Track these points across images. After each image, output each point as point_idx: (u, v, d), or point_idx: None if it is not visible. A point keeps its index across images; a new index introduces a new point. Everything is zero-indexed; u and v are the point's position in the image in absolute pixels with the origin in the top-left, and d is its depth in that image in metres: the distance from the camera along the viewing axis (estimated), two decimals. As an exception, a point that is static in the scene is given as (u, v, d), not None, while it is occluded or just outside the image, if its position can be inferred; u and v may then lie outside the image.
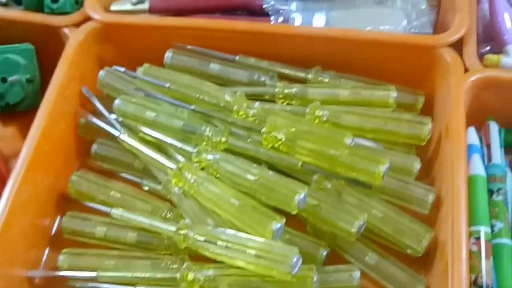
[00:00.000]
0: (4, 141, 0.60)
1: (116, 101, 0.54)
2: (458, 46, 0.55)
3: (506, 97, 0.53)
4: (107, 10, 0.61)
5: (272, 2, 0.59)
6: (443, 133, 0.51)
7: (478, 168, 0.49)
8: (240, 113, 0.53)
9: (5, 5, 0.61)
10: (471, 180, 0.50)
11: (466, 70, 0.53)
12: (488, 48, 0.60)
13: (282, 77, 0.57)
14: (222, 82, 0.57)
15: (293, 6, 0.59)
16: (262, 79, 0.57)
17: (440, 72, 0.54)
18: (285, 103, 0.55)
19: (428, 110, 0.56)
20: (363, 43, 0.55)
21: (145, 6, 0.60)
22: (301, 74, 0.56)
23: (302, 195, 0.47)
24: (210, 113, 0.53)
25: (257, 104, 0.53)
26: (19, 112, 0.60)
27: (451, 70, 0.52)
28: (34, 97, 0.60)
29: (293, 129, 0.50)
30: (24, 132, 0.55)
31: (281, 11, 0.59)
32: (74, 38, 0.57)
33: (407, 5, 0.57)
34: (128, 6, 0.60)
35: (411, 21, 0.56)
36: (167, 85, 0.55)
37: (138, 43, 0.59)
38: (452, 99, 0.51)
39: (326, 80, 0.56)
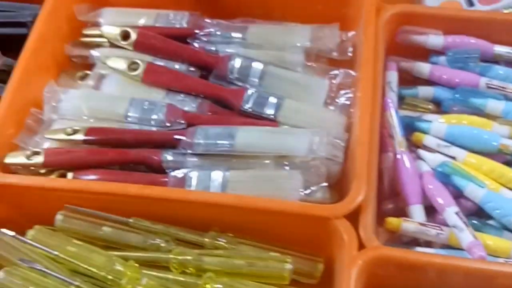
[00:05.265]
0: None
1: (0, 274, 0.52)
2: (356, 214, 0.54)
3: (403, 275, 0.51)
4: (1, 162, 0.59)
5: (170, 158, 0.58)
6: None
7: None
8: (127, 289, 0.51)
9: None
10: None
11: (361, 245, 0.52)
12: (391, 206, 0.59)
13: (179, 240, 0.55)
14: (116, 246, 0.55)
15: (191, 163, 0.57)
16: (157, 242, 0.55)
17: (336, 243, 0.52)
18: (179, 271, 0.54)
19: (330, 275, 0.54)
20: (258, 210, 0.53)
21: (40, 159, 0.58)
22: (197, 238, 0.55)
23: None
24: (94, 290, 0.51)
25: (145, 280, 0.51)
26: None
27: (345, 246, 0.51)
28: None
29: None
30: None
31: (179, 169, 0.57)
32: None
33: (306, 168, 0.56)
34: (22, 159, 0.58)
35: (308, 185, 0.55)
36: (55, 253, 0.53)
37: (31, 203, 0.57)
38: (344, 280, 0.49)
39: (223, 243, 0.55)
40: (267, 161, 0.57)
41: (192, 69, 0.66)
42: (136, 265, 0.53)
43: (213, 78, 0.65)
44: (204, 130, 0.58)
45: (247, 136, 0.57)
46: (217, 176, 0.56)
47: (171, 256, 0.53)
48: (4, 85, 0.65)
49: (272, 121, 0.61)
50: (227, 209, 0.54)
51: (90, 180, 0.56)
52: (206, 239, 0.55)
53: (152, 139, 0.59)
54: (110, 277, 0.52)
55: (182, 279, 0.53)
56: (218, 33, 0.67)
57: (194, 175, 0.56)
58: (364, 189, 0.53)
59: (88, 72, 0.67)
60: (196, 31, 0.67)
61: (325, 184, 0.56)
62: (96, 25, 0.70)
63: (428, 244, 0.56)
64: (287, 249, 0.54)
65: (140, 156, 0.58)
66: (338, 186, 0.58)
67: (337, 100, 0.63)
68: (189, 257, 0.53)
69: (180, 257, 0.53)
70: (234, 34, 0.67)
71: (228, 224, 0.55)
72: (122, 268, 0.52)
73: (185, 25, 0.69)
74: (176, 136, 0.58)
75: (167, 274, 0.53)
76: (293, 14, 0.70)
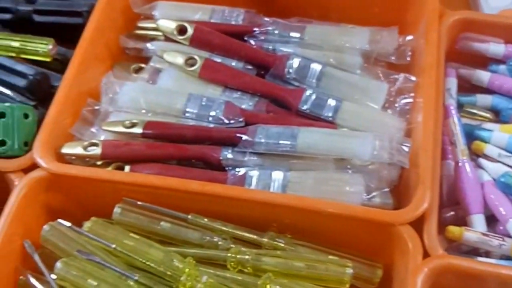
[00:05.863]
0: None
1: (58, 265, 0.51)
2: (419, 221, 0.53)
3: (466, 285, 0.51)
4: (58, 152, 0.58)
5: (230, 156, 0.57)
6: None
7: None
8: (187, 286, 0.50)
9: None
10: None
11: (425, 252, 0.51)
12: (452, 213, 0.58)
13: (236, 238, 0.55)
14: (172, 241, 0.54)
15: (251, 161, 0.57)
16: (215, 240, 0.54)
17: (399, 249, 0.52)
18: (236, 269, 0.53)
19: (388, 281, 0.54)
20: (320, 213, 0.52)
21: (97, 151, 0.57)
22: (256, 238, 0.54)
23: None
24: (154, 286, 0.50)
25: (205, 278, 0.50)
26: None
27: (409, 253, 0.50)
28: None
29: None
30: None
31: (239, 167, 0.57)
32: (19, 188, 0.55)
33: (367, 172, 0.55)
34: (79, 150, 0.58)
35: (370, 190, 0.54)
36: (113, 246, 0.52)
37: (88, 195, 0.56)
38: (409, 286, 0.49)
39: (281, 244, 0.54)
40: (328, 163, 0.56)
41: (248, 67, 0.65)
42: (194, 262, 0.52)
43: (269, 77, 0.64)
44: (265, 129, 0.57)
45: (309, 137, 0.56)
46: (277, 176, 0.55)
47: (229, 254, 0.53)
48: (58, 74, 0.65)
49: (330, 123, 0.60)
50: (287, 210, 0.53)
51: (150, 174, 0.55)
52: (265, 239, 0.54)
53: (211, 136, 0.58)
54: (169, 273, 0.51)
55: (240, 278, 0.52)
56: (276, 31, 0.66)
57: (254, 174, 0.56)
58: (429, 196, 0.52)
59: (142, 65, 0.67)
60: (255, 29, 0.66)
61: (386, 189, 0.55)
62: (151, 18, 0.70)
63: (486, 254, 0.55)
64: (345, 252, 0.54)
65: (199, 153, 0.58)
66: (395, 192, 0.58)
67: (395, 105, 0.62)
68: (247, 257, 0.52)
69: (238, 256, 0.53)
70: (292, 34, 0.66)
71: (286, 225, 0.54)
72: (180, 264, 0.51)
73: (240, 22, 0.69)
74: (238, 134, 0.57)
75: (224, 273, 0.53)
76: (349, 16, 0.69)
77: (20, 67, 0.64)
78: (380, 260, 0.54)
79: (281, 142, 0.56)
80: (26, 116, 0.58)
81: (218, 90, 0.63)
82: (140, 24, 0.69)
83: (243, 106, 0.62)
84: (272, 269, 0.52)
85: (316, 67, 0.63)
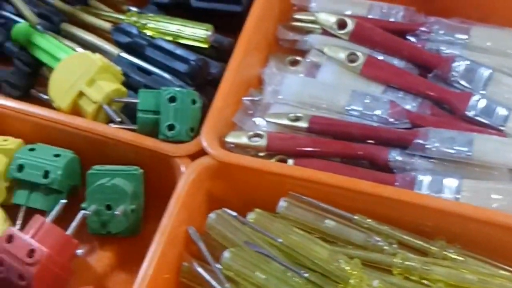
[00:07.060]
0: (99, 263, 0.58)
1: (225, 254, 0.51)
2: None
3: None
4: (222, 139, 0.58)
5: (399, 158, 0.56)
6: None
7: None
8: (357, 289, 0.49)
9: (121, 122, 0.59)
10: None
11: None
12: None
13: (400, 243, 0.53)
14: (334, 240, 0.53)
15: (421, 165, 0.55)
16: (380, 244, 0.53)
17: None
18: (402, 276, 0.52)
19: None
20: (495, 226, 0.50)
21: (262, 142, 0.57)
22: (424, 245, 0.52)
23: None
24: (325, 286, 0.50)
25: (376, 282, 0.49)
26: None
27: None
28: (135, 225, 0.57)
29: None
30: (119, 257, 0.58)
31: (407, 170, 0.55)
32: (188, 174, 0.55)
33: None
34: (244, 140, 0.57)
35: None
36: (280, 240, 0.52)
37: (251, 185, 0.56)
38: None
39: (453, 256, 0.52)
40: (503, 174, 0.54)
41: (410, 66, 0.63)
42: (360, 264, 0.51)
43: (432, 78, 0.62)
44: (437, 133, 0.55)
45: (485, 145, 0.54)
46: (450, 183, 0.53)
47: (396, 260, 0.51)
48: (214, 61, 0.65)
49: (499, 132, 0.58)
50: (461, 220, 0.51)
51: (319, 171, 0.54)
52: (434, 248, 0.52)
53: (379, 135, 0.57)
54: (337, 273, 0.50)
55: (408, 285, 0.51)
56: (441, 31, 0.64)
57: (425, 179, 0.54)
58: None
59: (298, 58, 0.66)
60: (422, 28, 0.64)
61: None
62: (306, 9, 0.69)
63: None
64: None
65: (365, 152, 0.56)
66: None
67: None
68: (416, 264, 0.51)
69: (406, 263, 0.51)
70: (457, 35, 0.64)
71: (455, 234, 0.52)
72: (347, 266, 0.50)
73: (400, 20, 0.67)
74: (409, 137, 0.56)
75: (390, 278, 0.52)
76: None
77: (180, 52, 0.64)
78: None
79: (455, 148, 0.54)
80: (194, 102, 0.58)
81: (379, 89, 0.62)
82: (297, 16, 0.69)
83: (407, 107, 0.60)
84: (441, 279, 0.50)
85: (484, 71, 0.61)
